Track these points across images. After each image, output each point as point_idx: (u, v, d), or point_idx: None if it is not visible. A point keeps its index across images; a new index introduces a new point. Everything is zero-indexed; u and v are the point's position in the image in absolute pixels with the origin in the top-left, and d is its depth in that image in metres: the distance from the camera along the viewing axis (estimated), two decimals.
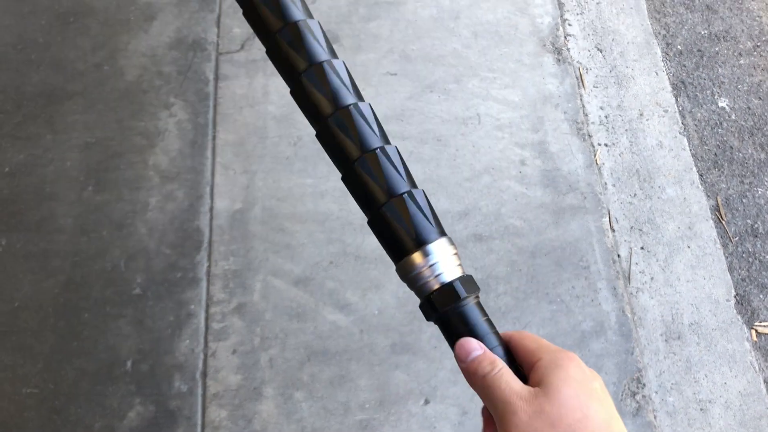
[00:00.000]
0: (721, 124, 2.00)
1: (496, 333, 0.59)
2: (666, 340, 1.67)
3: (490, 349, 0.57)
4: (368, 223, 0.64)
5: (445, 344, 1.58)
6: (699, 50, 2.13)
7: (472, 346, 0.56)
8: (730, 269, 1.79)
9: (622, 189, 1.85)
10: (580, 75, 2.00)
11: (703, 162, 1.94)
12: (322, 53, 0.66)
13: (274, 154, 1.78)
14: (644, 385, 1.61)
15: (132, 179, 1.74)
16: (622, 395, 1.59)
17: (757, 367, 1.67)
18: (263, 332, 1.59)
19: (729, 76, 2.09)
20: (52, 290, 1.61)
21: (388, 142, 0.65)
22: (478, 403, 1.52)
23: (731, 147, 1.97)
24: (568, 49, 2.04)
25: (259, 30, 0.66)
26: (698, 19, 2.19)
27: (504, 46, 2.02)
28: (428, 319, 0.60)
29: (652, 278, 1.74)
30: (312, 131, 1.91)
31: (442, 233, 0.62)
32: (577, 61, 2.03)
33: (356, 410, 1.53)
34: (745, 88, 2.07)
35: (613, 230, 1.79)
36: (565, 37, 2.06)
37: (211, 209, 1.72)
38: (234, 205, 1.72)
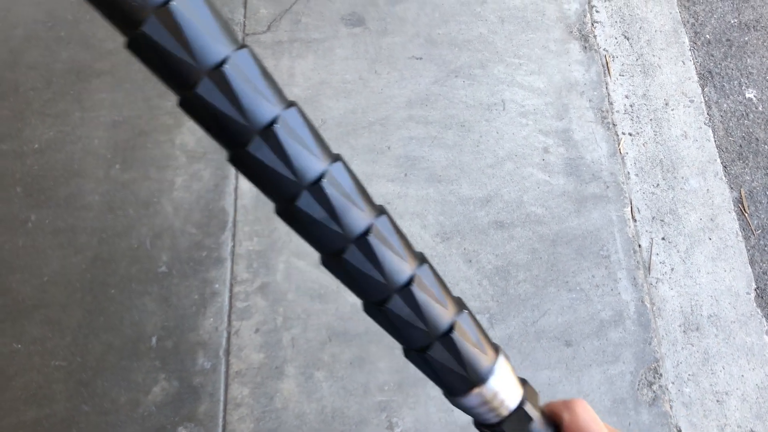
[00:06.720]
0: (747, 115, 1.99)
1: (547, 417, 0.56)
2: (684, 331, 1.68)
3: None
4: (406, 356, 0.54)
5: None
6: (728, 40, 2.11)
7: None
8: (752, 262, 1.79)
9: (645, 179, 1.85)
10: (607, 63, 1.99)
11: (728, 153, 1.93)
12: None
13: None
14: (661, 375, 1.62)
15: (158, 158, 1.76)
16: (638, 385, 1.61)
17: None
18: (286, 312, 1.62)
19: (758, 66, 2.07)
20: (79, 266, 1.64)
21: (424, 260, 0.53)
22: None
23: (757, 139, 1.96)
24: (594, 36, 2.02)
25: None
26: (728, 7, 2.16)
27: (531, 31, 2.01)
28: None
29: (672, 269, 1.74)
30: (337, 114, 1.90)
31: (497, 348, 0.54)
32: (604, 49, 2.02)
33: (375, 392, 1.56)
34: None
35: (635, 220, 1.79)
36: (592, 24, 2.04)
37: (236, 189, 1.74)
38: None
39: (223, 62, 0.42)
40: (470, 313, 0.53)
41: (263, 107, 0.44)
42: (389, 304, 0.50)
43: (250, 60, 0.44)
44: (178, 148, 1.77)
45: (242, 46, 0.44)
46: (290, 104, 0.46)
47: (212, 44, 0.42)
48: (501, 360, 0.54)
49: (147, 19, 0.40)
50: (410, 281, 0.49)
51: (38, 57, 1.86)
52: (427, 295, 0.50)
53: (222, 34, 0.43)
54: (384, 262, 0.48)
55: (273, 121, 0.44)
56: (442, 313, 0.50)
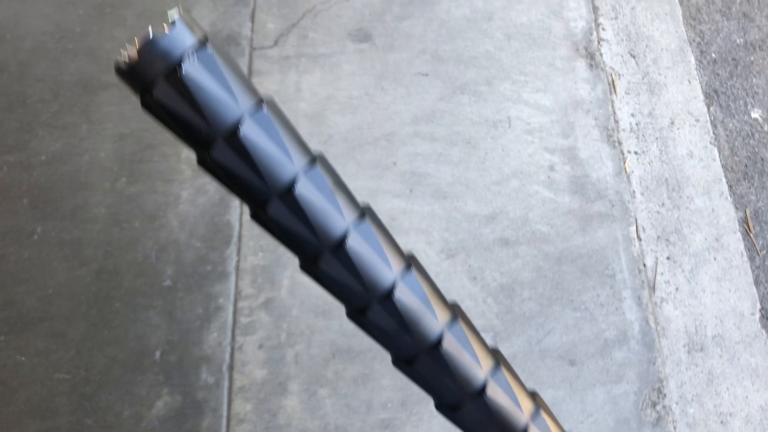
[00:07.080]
0: (752, 135, 1.99)
1: None
2: (688, 352, 1.68)
3: None
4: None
5: None
6: (734, 59, 2.11)
7: None
8: (756, 283, 1.78)
9: (650, 198, 1.85)
10: (613, 81, 2.00)
11: (733, 173, 1.93)
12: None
13: None
14: (665, 395, 1.62)
15: (164, 171, 1.77)
16: (642, 405, 1.60)
17: None
18: (290, 328, 1.62)
19: (763, 86, 2.07)
20: (84, 279, 1.64)
21: (498, 360, 0.51)
22: None
23: (762, 159, 1.96)
24: (601, 54, 2.03)
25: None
26: (734, 27, 2.17)
27: (537, 49, 2.01)
28: None
29: (677, 289, 1.74)
30: (343, 129, 1.90)
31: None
32: (610, 67, 2.02)
33: (379, 409, 1.56)
34: None
35: (640, 239, 1.79)
36: (599, 42, 2.05)
37: (242, 204, 1.74)
38: None
39: (293, 183, 0.41)
40: (546, 410, 0.52)
41: (333, 224, 0.43)
42: (463, 410, 0.49)
43: (321, 177, 0.42)
44: (184, 162, 1.77)
45: (313, 159, 0.43)
46: (362, 213, 0.45)
47: (282, 167, 0.41)
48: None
49: (215, 143, 0.40)
50: (484, 388, 0.48)
51: (46, 69, 1.87)
52: (501, 401, 0.49)
53: (293, 151, 0.41)
54: (456, 372, 0.47)
55: (343, 237, 0.43)
56: (518, 418, 0.49)
